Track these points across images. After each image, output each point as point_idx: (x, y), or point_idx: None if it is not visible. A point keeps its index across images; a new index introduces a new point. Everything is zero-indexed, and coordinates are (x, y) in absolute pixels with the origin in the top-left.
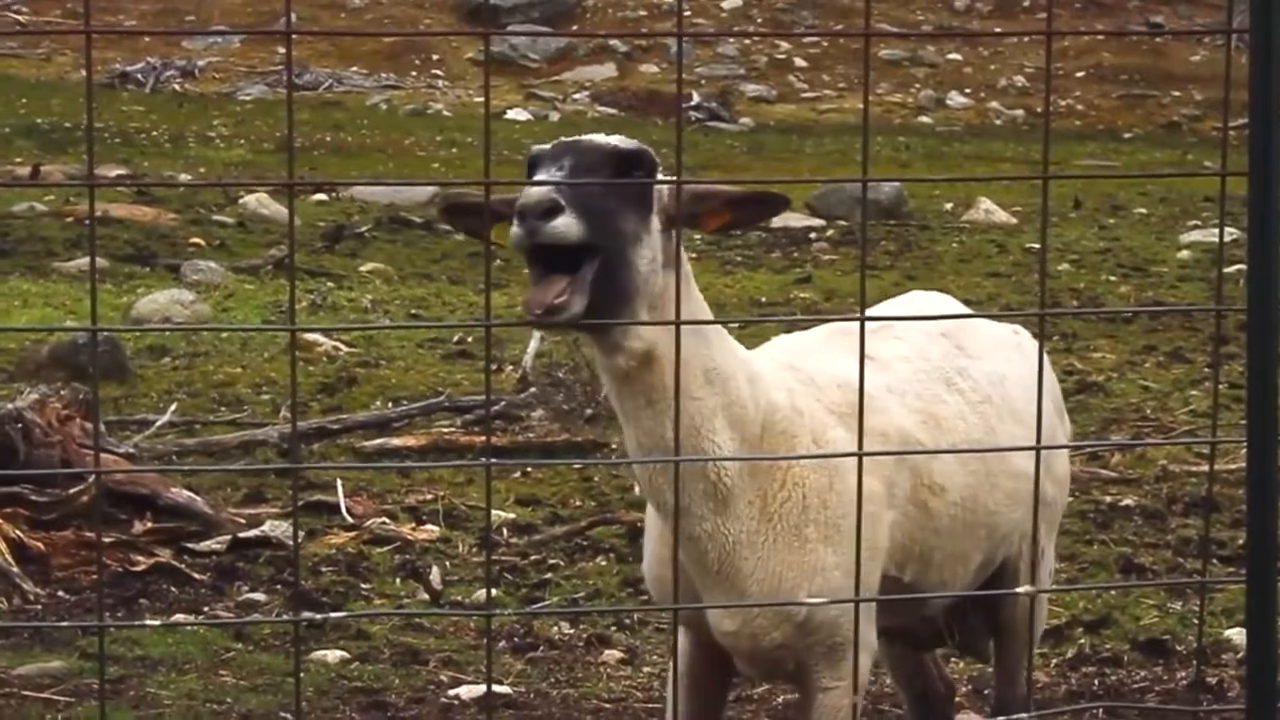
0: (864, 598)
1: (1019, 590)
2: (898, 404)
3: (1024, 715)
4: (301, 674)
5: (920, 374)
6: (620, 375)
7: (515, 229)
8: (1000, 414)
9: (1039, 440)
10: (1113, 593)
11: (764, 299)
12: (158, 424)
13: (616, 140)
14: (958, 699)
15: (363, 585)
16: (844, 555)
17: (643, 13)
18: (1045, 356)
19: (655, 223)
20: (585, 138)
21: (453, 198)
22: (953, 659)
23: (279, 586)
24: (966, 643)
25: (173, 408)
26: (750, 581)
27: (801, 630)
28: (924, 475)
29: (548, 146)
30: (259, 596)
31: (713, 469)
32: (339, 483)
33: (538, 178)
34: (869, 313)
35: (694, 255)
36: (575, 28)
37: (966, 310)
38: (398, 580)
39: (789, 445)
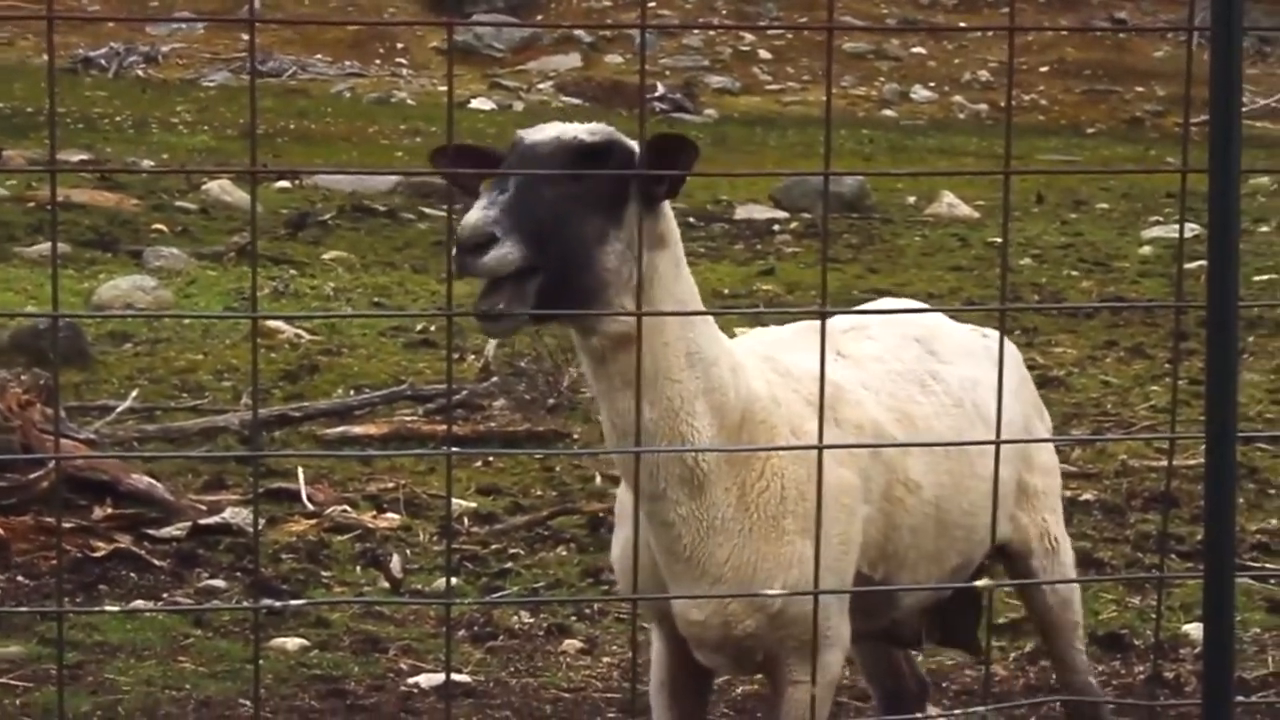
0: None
1: (977, 584)
2: (872, 399)
3: (981, 708)
4: (261, 661)
5: (893, 374)
6: (597, 356)
7: (455, 257)
8: (972, 420)
9: (998, 433)
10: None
11: (726, 291)
12: (118, 410)
13: (583, 134)
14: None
15: (323, 573)
16: (822, 548)
17: (607, 3)
18: (1019, 356)
19: (630, 211)
20: (550, 133)
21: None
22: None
23: (239, 574)
24: (951, 638)
25: (134, 394)
26: (725, 568)
27: (775, 622)
28: (899, 471)
29: (500, 150)
30: (219, 583)
31: (687, 454)
32: (300, 470)
33: (478, 204)
34: (824, 308)
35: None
36: (540, 18)
37: (941, 317)
38: (358, 568)
39: (768, 435)
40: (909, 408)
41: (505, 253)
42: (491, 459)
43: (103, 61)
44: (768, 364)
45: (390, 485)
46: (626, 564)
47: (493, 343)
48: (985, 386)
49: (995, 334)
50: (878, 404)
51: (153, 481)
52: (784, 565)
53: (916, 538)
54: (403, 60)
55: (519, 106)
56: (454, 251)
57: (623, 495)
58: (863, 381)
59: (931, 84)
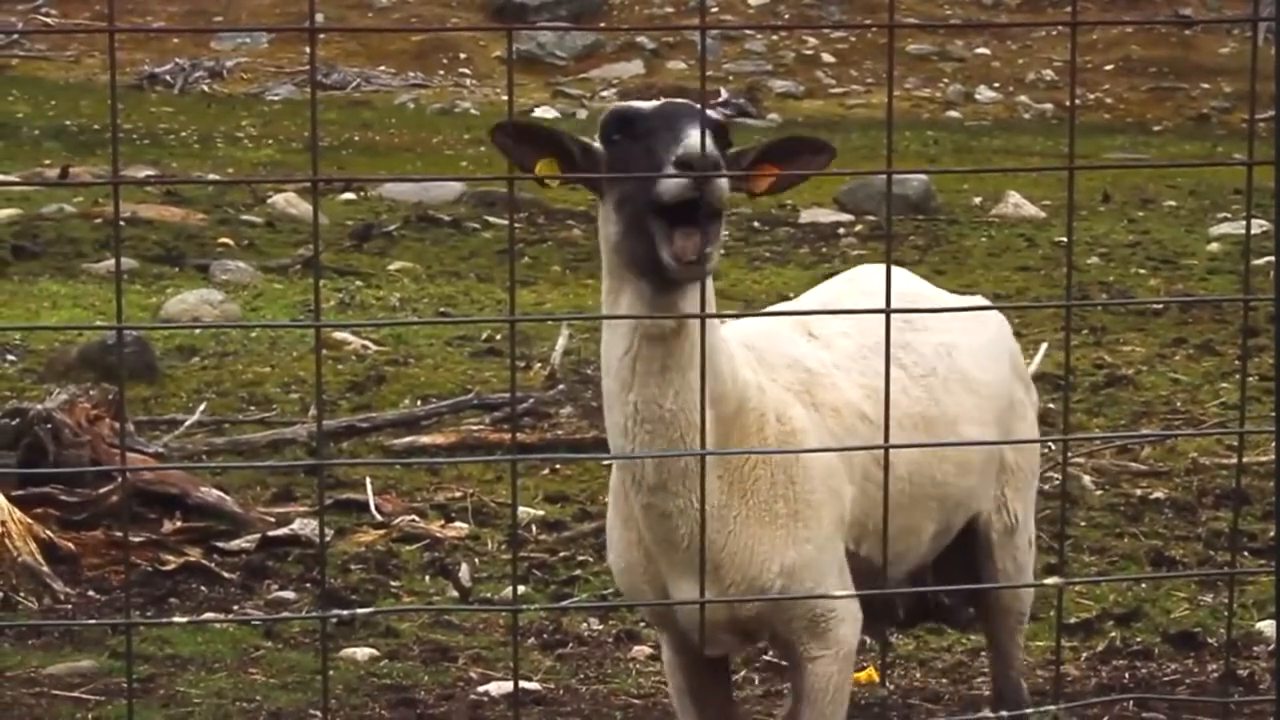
0: (886, 591)
1: (1048, 582)
2: (844, 379)
3: (1053, 707)
4: (330, 671)
5: (863, 349)
6: (657, 336)
7: (680, 180)
8: (947, 385)
9: (1066, 430)
10: (1143, 585)
11: (792, 294)
12: (187, 424)
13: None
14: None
15: (392, 583)
16: (814, 529)
17: (669, 9)
18: (1004, 324)
19: None
20: (688, 103)
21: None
22: (982, 655)
23: (308, 585)
24: (947, 612)
25: (202, 407)
26: (723, 554)
27: (777, 604)
28: (874, 451)
29: (644, 105)
30: (288, 595)
31: (689, 445)
32: (368, 481)
33: (694, 137)
34: (890, 305)
35: (723, 252)
36: (601, 25)
37: (922, 282)
38: (427, 578)
39: (758, 421)
40: (877, 383)
41: (727, 182)
42: (559, 466)
43: (168, 77)
44: (750, 352)
45: (458, 494)
46: (624, 563)
47: (558, 351)
48: (964, 351)
49: (981, 299)
50: (850, 383)
51: (222, 494)
52: (780, 547)
53: (891, 512)
54: (466, 70)
55: (582, 114)
56: (684, 170)
57: (615, 496)
58: (834, 361)
59: (996, 84)
